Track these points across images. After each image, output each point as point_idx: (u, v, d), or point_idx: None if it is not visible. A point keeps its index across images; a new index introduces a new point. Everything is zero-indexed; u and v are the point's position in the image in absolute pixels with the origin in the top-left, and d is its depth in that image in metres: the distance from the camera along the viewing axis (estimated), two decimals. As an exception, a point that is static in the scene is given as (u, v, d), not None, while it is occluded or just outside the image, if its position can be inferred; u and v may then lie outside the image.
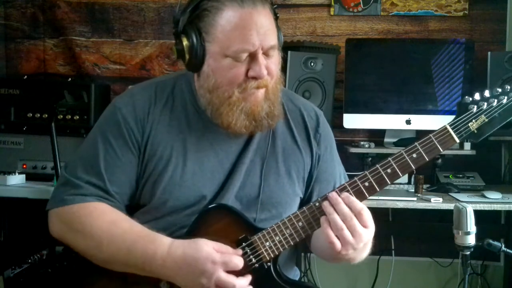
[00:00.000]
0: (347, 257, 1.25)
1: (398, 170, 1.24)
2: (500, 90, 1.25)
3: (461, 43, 2.61)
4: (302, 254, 2.81)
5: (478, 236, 1.58)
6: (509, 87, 1.25)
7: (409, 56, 2.65)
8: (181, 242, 1.24)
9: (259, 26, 1.27)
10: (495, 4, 2.81)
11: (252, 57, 1.28)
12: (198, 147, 1.37)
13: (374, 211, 1.28)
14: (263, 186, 1.38)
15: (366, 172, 1.27)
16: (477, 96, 1.25)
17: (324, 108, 2.53)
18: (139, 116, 1.36)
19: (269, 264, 1.30)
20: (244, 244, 1.29)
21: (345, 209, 1.21)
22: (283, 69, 1.40)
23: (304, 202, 1.46)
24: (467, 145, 2.55)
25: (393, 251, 2.84)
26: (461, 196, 2.32)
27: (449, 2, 2.82)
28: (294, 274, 1.51)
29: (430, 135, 1.25)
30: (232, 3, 1.26)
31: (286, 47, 2.45)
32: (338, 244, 1.21)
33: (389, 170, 1.26)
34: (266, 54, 1.29)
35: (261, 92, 1.31)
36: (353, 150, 2.59)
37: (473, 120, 1.24)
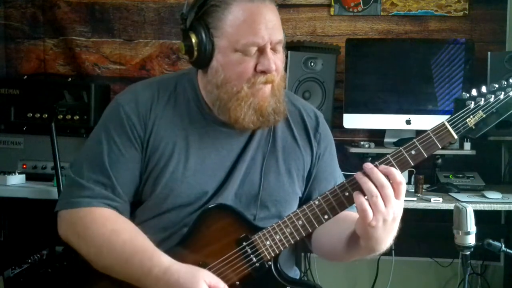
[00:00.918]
0: (376, 233, 1.19)
1: (397, 167, 1.24)
2: (497, 85, 1.25)
3: (461, 43, 2.61)
4: (302, 254, 2.81)
5: (478, 236, 1.59)
6: (506, 83, 1.25)
7: (409, 56, 2.65)
8: (179, 268, 1.23)
9: (268, 20, 1.29)
10: (495, 4, 2.81)
11: (261, 51, 1.30)
12: (200, 144, 1.38)
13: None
14: (263, 184, 1.39)
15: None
16: (474, 92, 1.25)
17: (324, 108, 2.53)
18: (141, 113, 1.37)
19: (269, 263, 1.30)
20: (244, 243, 1.30)
21: (382, 178, 1.18)
22: (284, 67, 1.41)
23: (303, 201, 1.46)
24: (467, 145, 2.56)
25: (393, 251, 2.83)
26: (461, 196, 2.32)
27: (449, 2, 2.82)
28: (294, 274, 1.51)
29: (428, 131, 1.24)
30: None
31: (286, 47, 2.44)
32: (370, 212, 1.17)
33: None
34: (273, 49, 1.31)
35: (268, 88, 1.33)
36: (353, 150, 2.59)
37: (471, 116, 1.23)
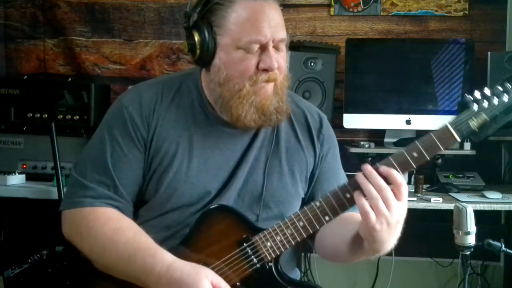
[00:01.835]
0: (381, 236, 1.19)
1: (398, 169, 1.22)
2: (501, 88, 1.23)
3: (461, 43, 2.61)
4: (302, 254, 2.81)
5: (478, 236, 1.59)
6: (510, 86, 1.23)
7: (409, 56, 2.65)
8: (182, 265, 1.23)
9: (270, 19, 1.30)
10: (495, 4, 2.81)
11: (263, 49, 1.30)
12: (203, 144, 1.38)
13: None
14: (266, 184, 1.39)
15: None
16: (478, 94, 1.23)
17: (324, 108, 2.53)
18: (144, 113, 1.37)
19: (270, 264, 1.30)
20: (245, 244, 1.30)
21: (380, 181, 1.18)
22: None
23: (306, 202, 1.45)
24: (467, 145, 2.55)
25: (393, 251, 2.81)
26: (461, 196, 2.32)
27: (449, 2, 2.82)
28: (295, 274, 1.51)
29: (431, 133, 1.23)
30: None
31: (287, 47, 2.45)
32: (372, 215, 1.16)
33: None
34: (276, 47, 1.32)
35: (270, 86, 1.33)
36: (353, 150, 2.59)
37: (474, 119, 1.21)
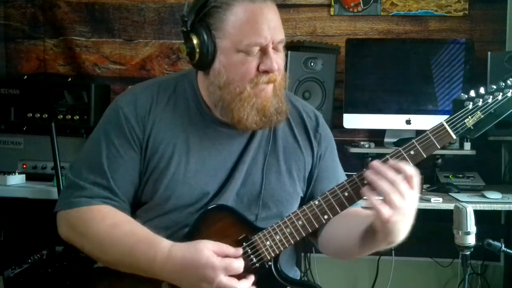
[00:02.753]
0: (397, 227, 1.17)
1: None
2: (494, 87, 1.26)
3: (461, 43, 2.61)
4: (302, 254, 2.81)
5: (478, 236, 1.59)
6: (503, 84, 1.26)
7: (409, 56, 2.65)
8: (180, 246, 1.24)
9: (269, 20, 1.30)
10: (495, 4, 2.81)
11: (263, 51, 1.30)
12: (200, 145, 1.38)
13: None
14: (264, 184, 1.39)
15: (365, 170, 1.26)
16: (472, 93, 1.26)
17: (324, 108, 2.53)
18: (140, 115, 1.37)
19: (270, 263, 1.31)
20: (244, 244, 1.30)
21: (393, 174, 1.17)
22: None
23: (306, 201, 1.46)
24: (467, 145, 2.55)
25: (393, 251, 2.83)
26: (461, 196, 2.32)
27: (449, 2, 2.82)
28: (294, 274, 1.51)
29: (427, 131, 1.25)
30: None
31: (286, 47, 2.44)
32: (387, 210, 1.15)
33: None
34: (275, 48, 1.32)
35: (270, 88, 1.33)
36: (353, 150, 2.59)
37: (469, 117, 1.25)
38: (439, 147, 1.25)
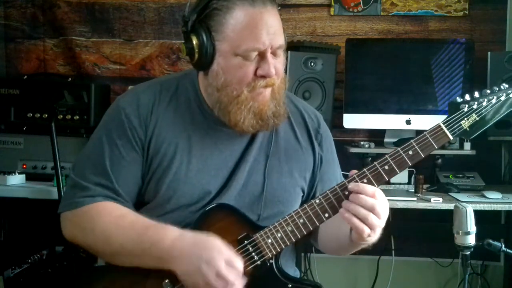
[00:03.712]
0: (373, 239, 1.29)
1: (395, 167, 1.28)
2: (489, 91, 1.33)
3: (461, 43, 2.61)
4: (302, 254, 2.81)
5: (478, 236, 1.58)
6: (497, 88, 1.32)
7: (409, 56, 2.65)
8: (191, 232, 1.27)
9: (269, 26, 1.29)
10: (495, 4, 2.81)
11: (261, 56, 1.30)
12: (202, 145, 1.39)
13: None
14: (266, 184, 1.40)
15: (365, 169, 1.29)
16: (467, 97, 1.33)
17: (324, 108, 2.53)
18: (142, 115, 1.37)
19: (271, 261, 1.32)
20: (246, 241, 1.31)
21: (368, 201, 1.24)
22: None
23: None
24: (467, 145, 2.56)
25: (393, 251, 2.84)
26: (461, 196, 2.32)
27: (449, 2, 2.82)
28: (294, 273, 1.51)
29: (425, 132, 1.30)
30: (243, 3, 1.28)
31: (286, 47, 2.44)
32: (367, 231, 1.24)
33: (386, 167, 1.29)
34: (274, 53, 1.32)
35: (268, 92, 1.34)
36: (353, 150, 2.59)
37: (465, 119, 1.30)
38: (436, 148, 1.29)
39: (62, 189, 2.18)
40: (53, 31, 2.95)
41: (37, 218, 2.60)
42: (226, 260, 1.22)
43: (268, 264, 1.32)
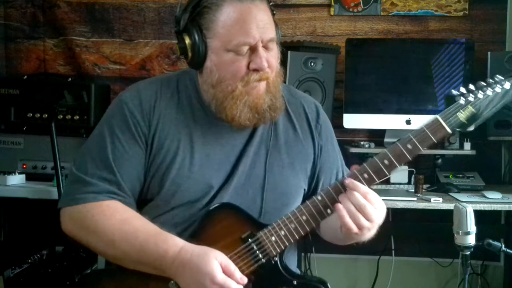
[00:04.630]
0: (363, 238, 1.32)
1: (394, 161, 1.28)
2: (484, 84, 1.32)
3: (461, 43, 2.61)
4: (302, 254, 2.81)
5: (478, 236, 1.59)
6: (492, 81, 1.31)
7: (409, 56, 2.65)
8: (192, 247, 1.26)
9: (258, 20, 1.31)
10: (495, 4, 2.81)
11: (253, 50, 1.32)
12: (204, 140, 1.40)
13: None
14: (267, 177, 1.41)
15: (365, 164, 1.30)
16: (463, 90, 1.31)
17: (324, 108, 2.47)
18: (145, 110, 1.38)
19: (276, 259, 1.33)
20: (250, 240, 1.32)
21: (359, 199, 1.25)
22: (284, 67, 1.44)
23: (311, 191, 1.50)
24: (467, 145, 2.56)
25: (393, 251, 2.84)
26: (461, 196, 2.32)
27: (449, 2, 2.82)
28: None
29: (423, 126, 1.29)
30: None
31: (286, 47, 2.45)
32: (355, 229, 1.26)
33: (386, 162, 1.28)
34: (265, 47, 1.33)
35: (262, 85, 1.35)
36: (353, 150, 2.59)
37: (461, 111, 1.29)
38: (434, 140, 1.28)
39: (62, 189, 2.18)
40: (53, 31, 2.95)
41: (37, 218, 2.60)
42: (221, 287, 1.23)
43: (273, 262, 1.32)
